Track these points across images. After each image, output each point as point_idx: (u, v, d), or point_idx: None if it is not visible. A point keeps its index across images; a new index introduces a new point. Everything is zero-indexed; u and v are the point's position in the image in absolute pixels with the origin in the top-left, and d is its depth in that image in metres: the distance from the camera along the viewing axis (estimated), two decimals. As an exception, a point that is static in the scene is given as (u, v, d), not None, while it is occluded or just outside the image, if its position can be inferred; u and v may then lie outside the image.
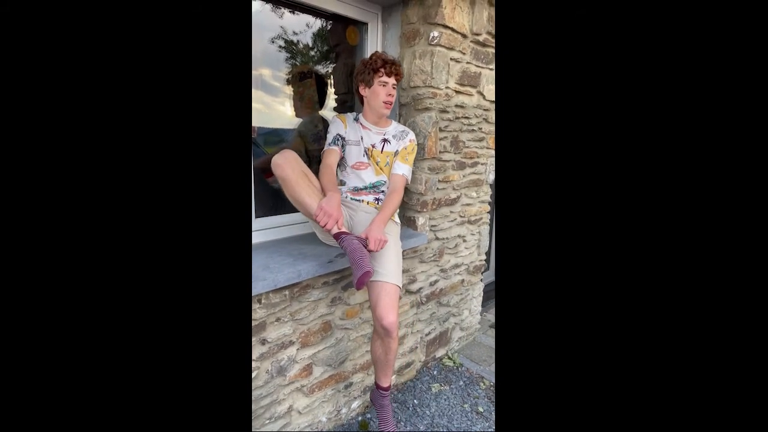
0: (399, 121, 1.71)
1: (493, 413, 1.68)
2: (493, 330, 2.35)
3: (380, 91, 1.36)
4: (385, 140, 1.45)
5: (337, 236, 1.21)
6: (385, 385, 1.42)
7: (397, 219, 1.52)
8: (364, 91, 1.40)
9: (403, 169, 1.47)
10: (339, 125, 1.42)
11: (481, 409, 1.70)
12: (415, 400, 1.74)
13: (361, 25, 1.68)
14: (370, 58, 1.37)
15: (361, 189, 1.45)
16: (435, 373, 1.95)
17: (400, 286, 1.32)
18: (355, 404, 1.64)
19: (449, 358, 2.06)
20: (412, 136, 1.49)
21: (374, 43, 1.70)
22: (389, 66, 1.35)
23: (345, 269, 1.46)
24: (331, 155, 1.38)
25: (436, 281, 1.91)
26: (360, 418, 1.63)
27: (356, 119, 1.46)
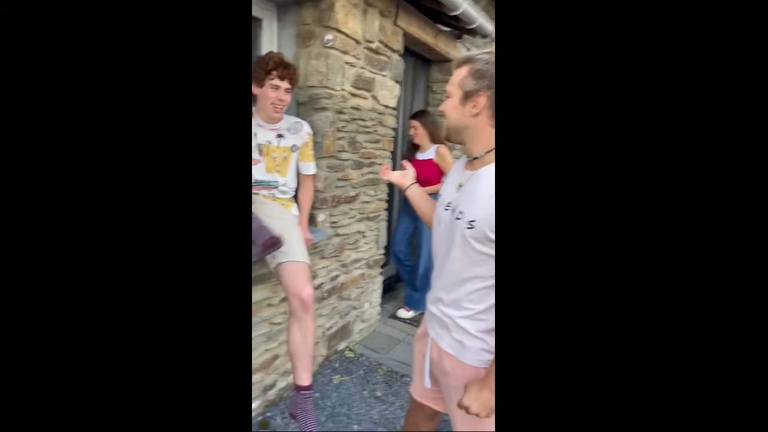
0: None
1: (390, 395, 1.80)
2: (393, 320, 2.50)
3: (270, 94, 1.33)
4: (279, 135, 1.45)
5: None
6: (306, 382, 1.30)
7: (295, 211, 1.54)
8: (255, 89, 1.37)
9: (310, 169, 1.56)
10: None
11: (378, 394, 1.81)
12: (316, 394, 1.78)
13: (256, 21, 1.66)
14: (265, 57, 1.34)
15: (253, 184, 1.45)
16: (337, 365, 2.01)
17: (309, 264, 1.34)
18: (254, 404, 1.61)
19: (350, 349, 2.14)
20: (307, 128, 1.50)
21: (270, 40, 1.69)
22: (281, 69, 1.33)
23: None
24: None
25: (336, 276, 1.97)
26: (260, 418, 1.61)
27: None
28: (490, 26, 2.30)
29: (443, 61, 2.76)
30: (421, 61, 2.75)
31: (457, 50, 2.70)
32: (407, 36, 2.12)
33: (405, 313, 2.53)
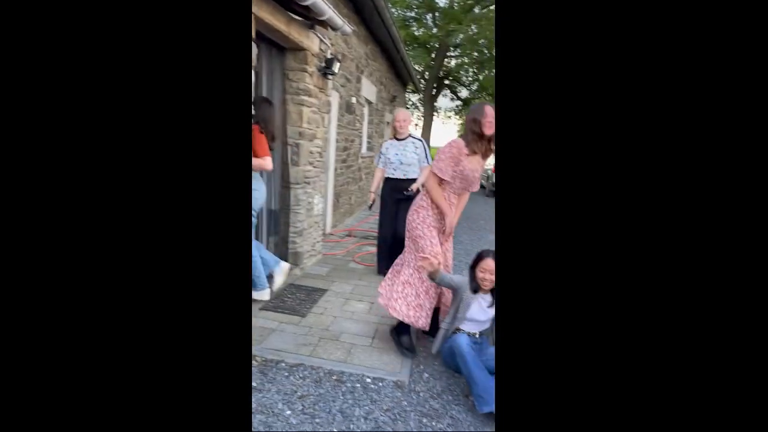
0: None
1: (267, 383, 1.80)
2: (264, 311, 2.46)
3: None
4: None
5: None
6: None
7: None
8: None
9: None
10: None
11: (254, 384, 1.79)
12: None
13: None
14: None
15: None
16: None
17: None
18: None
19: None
20: None
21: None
22: None
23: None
24: None
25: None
26: None
27: None
28: (339, 20, 2.42)
29: (297, 49, 2.77)
30: (276, 49, 2.71)
31: (311, 39, 2.74)
32: (259, 21, 2.07)
33: (259, 295, 2.40)
